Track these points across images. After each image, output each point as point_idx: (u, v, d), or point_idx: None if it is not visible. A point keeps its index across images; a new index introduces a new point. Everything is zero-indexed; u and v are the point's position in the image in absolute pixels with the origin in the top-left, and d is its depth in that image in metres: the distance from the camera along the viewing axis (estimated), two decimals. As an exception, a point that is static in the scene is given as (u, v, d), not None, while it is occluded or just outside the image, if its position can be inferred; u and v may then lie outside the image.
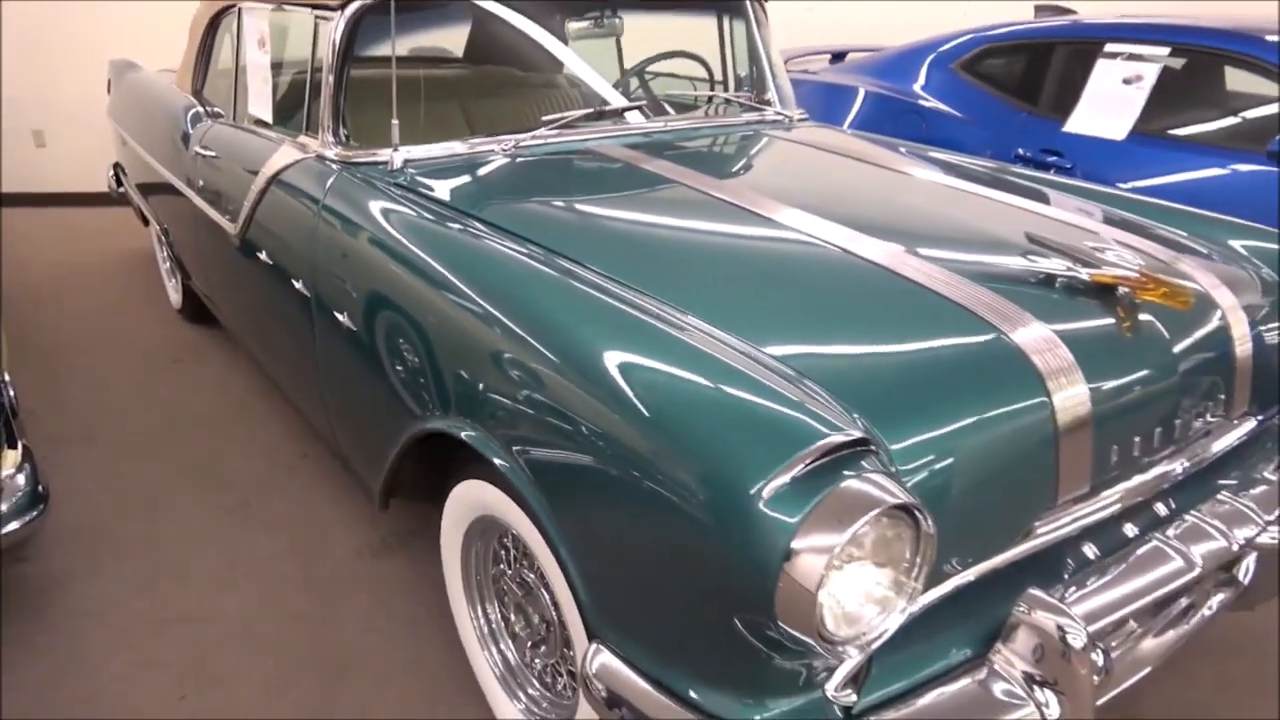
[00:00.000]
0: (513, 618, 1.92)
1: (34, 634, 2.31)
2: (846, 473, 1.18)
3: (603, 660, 1.41)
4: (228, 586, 2.49)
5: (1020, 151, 3.63)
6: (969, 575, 1.39)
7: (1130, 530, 1.66)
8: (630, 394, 1.35)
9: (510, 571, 1.88)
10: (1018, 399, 1.44)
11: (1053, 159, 3.53)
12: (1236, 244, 2.16)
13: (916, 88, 4.24)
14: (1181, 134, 3.46)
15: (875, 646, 1.29)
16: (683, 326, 1.47)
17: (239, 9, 3.04)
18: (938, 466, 1.34)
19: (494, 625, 1.99)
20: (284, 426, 3.32)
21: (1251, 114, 3.45)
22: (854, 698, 1.30)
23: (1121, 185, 3.12)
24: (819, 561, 1.12)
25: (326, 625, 2.35)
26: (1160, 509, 1.73)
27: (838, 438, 1.19)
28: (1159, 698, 2.16)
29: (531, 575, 1.80)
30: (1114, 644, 1.65)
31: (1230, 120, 3.53)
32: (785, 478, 1.16)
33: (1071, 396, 1.46)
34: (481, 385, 1.64)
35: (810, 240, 1.84)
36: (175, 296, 4.26)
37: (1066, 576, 1.53)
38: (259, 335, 3.00)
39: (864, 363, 1.47)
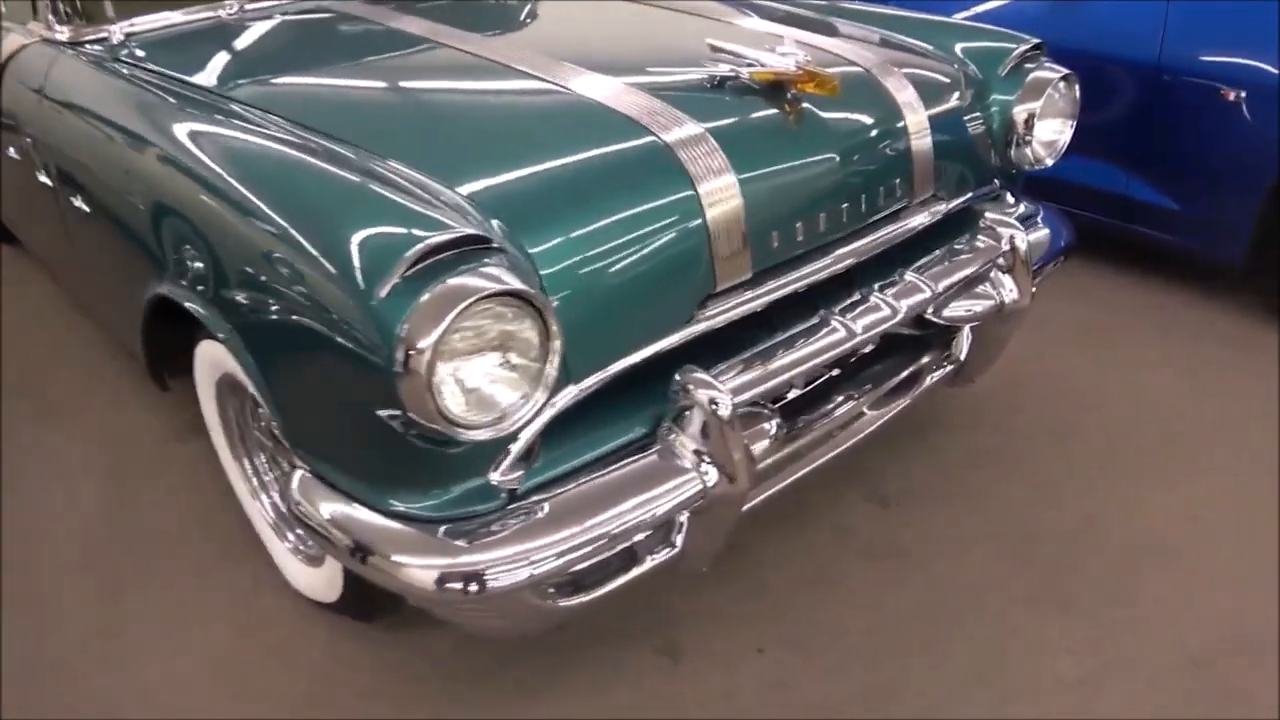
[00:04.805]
0: (270, 467, 2.01)
1: None
2: (462, 268, 1.26)
3: (301, 479, 1.50)
4: (33, 490, 2.51)
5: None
6: (630, 360, 1.50)
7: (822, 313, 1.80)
8: (283, 222, 1.41)
9: (262, 424, 1.96)
10: (663, 195, 1.53)
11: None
12: (963, 45, 2.26)
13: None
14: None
15: (533, 431, 1.41)
16: (337, 156, 1.51)
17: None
18: (583, 263, 1.44)
19: (262, 478, 2.08)
20: (92, 333, 3.28)
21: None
22: (515, 482, 1.42)
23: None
24: (426, 351, 1.22)
25: (126, 510, 2.40)
26: (859, 293, 1.87)
27: (441, 237, 1.26)
28: (918, 471, 2.38)
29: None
30: (834, 410, 1.87)
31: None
32: (395, 279, 1.24)
33: (719, 189, 1.56)
34: (174, 241, 1.68)
35: (511, 71, 1.87)
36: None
37: (747, 355, 1.66)
38: (38, 238, 2.94)
39: (520, 179, 1.53)
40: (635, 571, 1.60)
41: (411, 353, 1.22)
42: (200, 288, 1.64)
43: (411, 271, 1.24)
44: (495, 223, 1.39)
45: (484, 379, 1.31)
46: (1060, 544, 2.16)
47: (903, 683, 1.84)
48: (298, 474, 1.51)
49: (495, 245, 1.32)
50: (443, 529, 1.40)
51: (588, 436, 1.53)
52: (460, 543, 1.38)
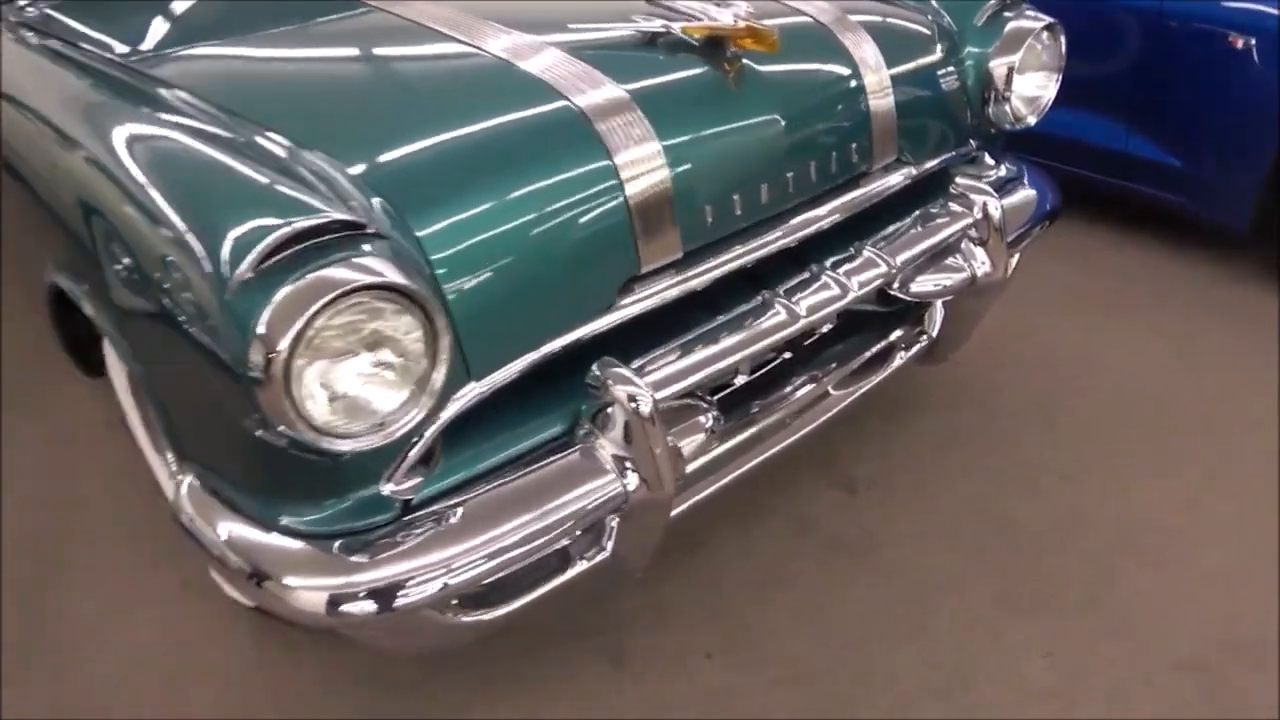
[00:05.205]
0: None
1: None
2: (330, 259, 1.11)
3: (187, 489, 1.37)
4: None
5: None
6: (541, 353, 1.35)
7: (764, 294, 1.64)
8: (146, 206, 1.26)
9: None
10: (576, 167, 1.37)
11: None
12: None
13: None
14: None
15: (428, 437, 1.27)
16: (209, 134, 1.35)
17: None
18: (481, 248, 1.29)
19: (184, 473, 1.96)
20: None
21: None
22: (411, 491, 1.29)
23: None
24: (282, 352, 1.08)
25: (60, 505, 2.30)
26: (808, 271, 1.70)
27: (304, 223, 1.11)
28: (890, 455, 2.23)
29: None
30: (792, 394, 1.75)
31: None
32: (249, 273, 1.09)
33: (641, 159, 1.40)
34: (60, 227, 1.54)
35: (427, 33, 1.69)
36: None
37: (676, 344, 1.51)
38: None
39: (410, 155, 1.35)
40: (559, 579, 1.48)
41: (270, 355, 1.08)
42: (83, 281, 1.50)
43: (268, 264, 1.10)
44: (377, 203, 1.24)
45: (357, 382, 1.17)
46: (1042, 533, 2.02)
47: (860, 691, 1.71)
48: (185, 482, 1.39)
49: (371, 231, 1.17)
50: (337, 544, 1.27)
51: (500, 436, 1.39)
52: (356, 558, 1.26)
